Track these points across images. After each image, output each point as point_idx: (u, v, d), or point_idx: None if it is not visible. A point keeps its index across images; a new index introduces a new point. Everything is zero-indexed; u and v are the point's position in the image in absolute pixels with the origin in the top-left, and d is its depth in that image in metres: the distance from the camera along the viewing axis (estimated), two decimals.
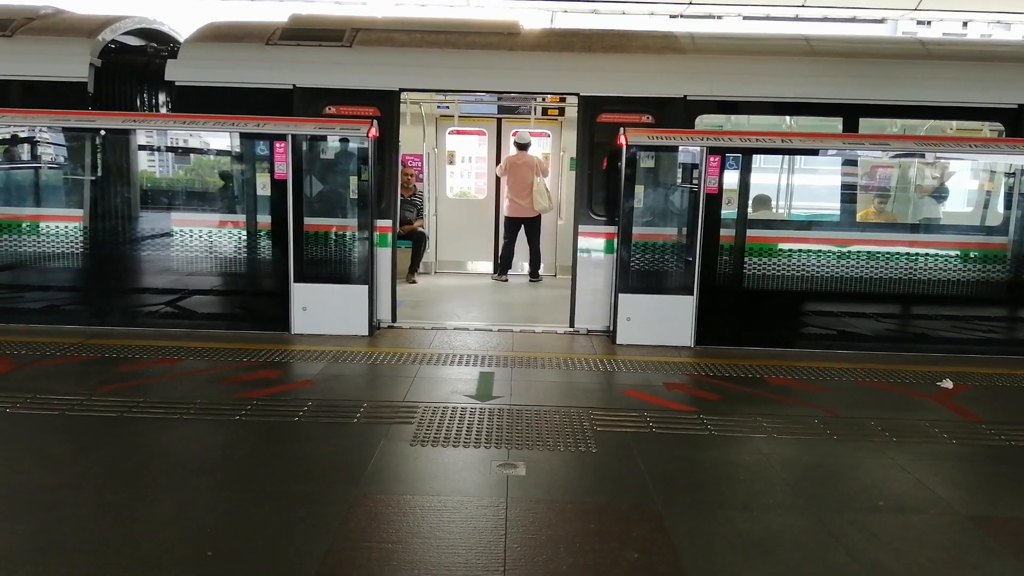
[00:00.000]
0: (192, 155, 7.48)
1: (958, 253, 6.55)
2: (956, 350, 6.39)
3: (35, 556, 2.79)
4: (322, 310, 6.44)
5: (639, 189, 6.34)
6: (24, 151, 6.94)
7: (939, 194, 7.53)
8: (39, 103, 6.54)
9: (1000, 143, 6.68)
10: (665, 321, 6.40)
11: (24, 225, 6.64)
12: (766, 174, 7.41)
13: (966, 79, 6.74)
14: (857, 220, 7.12)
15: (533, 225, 9.53)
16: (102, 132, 6.51)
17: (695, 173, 6.27)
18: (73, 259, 6.61)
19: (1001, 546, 3.06)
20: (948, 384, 5.37)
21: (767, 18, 12.99)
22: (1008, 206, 6.76)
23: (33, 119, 6.56)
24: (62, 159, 6.95)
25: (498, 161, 9.93)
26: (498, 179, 9.88)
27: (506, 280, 9.64)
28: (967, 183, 7.70)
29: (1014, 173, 6.69)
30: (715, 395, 5.06)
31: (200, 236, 6.57)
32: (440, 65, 6.82)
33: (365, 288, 6.46)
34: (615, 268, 6.49)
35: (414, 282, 9.33)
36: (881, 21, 14.40)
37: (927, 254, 6.50)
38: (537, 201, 9.27)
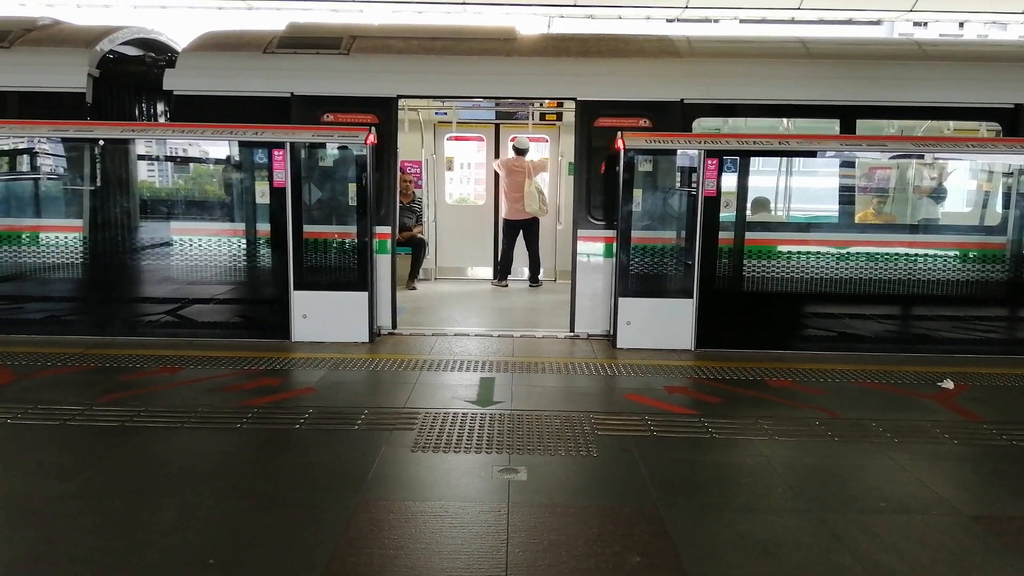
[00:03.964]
0: (191, 164, 7.50)
1: (957, 253, 6.55)
2: (956, 350, 6.39)
3: (39, 565, 2.78)
4: (322, 317, 6.45)
5: (637, 193, 6.35)
6: (23, 162, 6.96)
7: (937, 195, 7.53)
8: (38, 114, 6.57)
9: (997, 143, 6.69)
10: (665, 325, 6.40)
11: (24, 236, 6.65)
12: (764, 176, 7.41)
13: (963, 79, 6.77)
14: (856, 221, 7.13)
15: (531, 229, 9.55)
16: (101, 142, 6.53)
17: (693, 176, 6.28)
18: (73, 269, 6.62)
19: (1004, 546, 3.06)
20: (949, 384, 5.37)
21: (763, 21, 13.02)
22: (1006, 206, 6.77)
23: (32, 130, 6.58)
24: (61, 169, 6.97)
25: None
26: (496, 183, 9.90)
27: (506, 285, 9.65)
28: (965, 183, 7.71)
29: (1012, 173, 6.70)
30: (716, 398, 5.06)
31: (200, 245, 6.58)
32: (437, 72, 6.85)
33: (365, 295, 6.47)
34: (614, 272, 6.50)
35: (414, 288, 9.33)
36: (877, 23, 14.43)
37: (926, 255, 6.50)
38: (527, 203, 9.28)
